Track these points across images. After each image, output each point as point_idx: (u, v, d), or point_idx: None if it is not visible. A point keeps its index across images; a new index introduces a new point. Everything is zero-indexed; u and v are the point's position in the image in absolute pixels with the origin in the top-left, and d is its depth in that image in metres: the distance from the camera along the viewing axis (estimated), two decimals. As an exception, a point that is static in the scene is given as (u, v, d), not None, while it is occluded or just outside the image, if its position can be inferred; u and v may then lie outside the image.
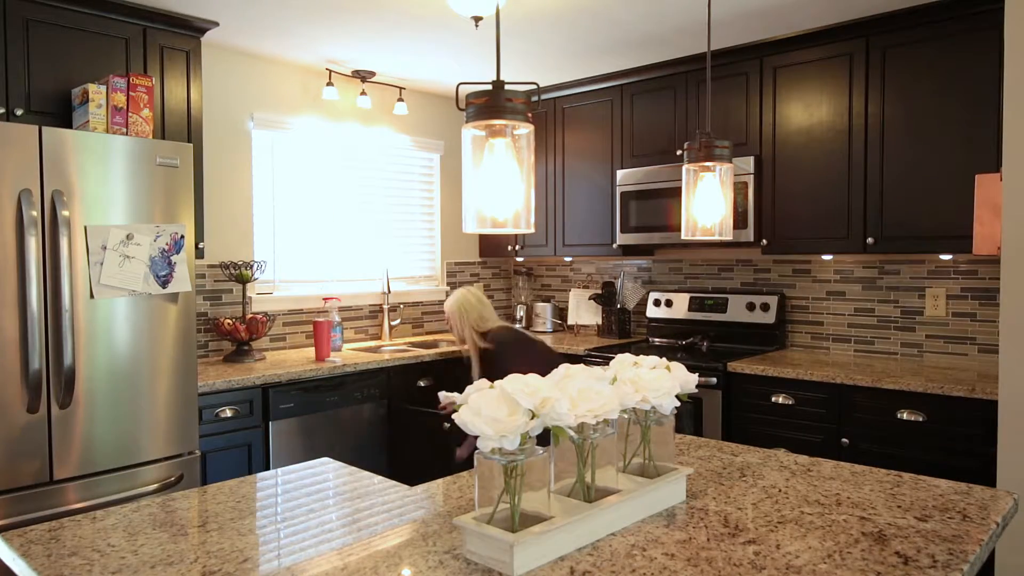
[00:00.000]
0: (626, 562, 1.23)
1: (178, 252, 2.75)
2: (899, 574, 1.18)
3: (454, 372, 3.98)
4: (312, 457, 3.32)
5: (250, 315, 3.64)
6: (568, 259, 4.87)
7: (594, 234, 4.32)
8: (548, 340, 4.33)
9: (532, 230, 1.42)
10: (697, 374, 1.61)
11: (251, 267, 3.69)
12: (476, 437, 1.18)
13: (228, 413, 3.09)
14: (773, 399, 3.24)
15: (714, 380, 3.35)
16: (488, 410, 1.19)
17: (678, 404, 1.50)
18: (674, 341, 4.08)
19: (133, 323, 2.67)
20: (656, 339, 4.26)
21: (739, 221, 3.59)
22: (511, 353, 3.32)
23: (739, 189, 3.58)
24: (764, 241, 3.61)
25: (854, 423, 3.03)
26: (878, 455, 2.94)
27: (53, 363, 2.49)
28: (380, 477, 1.74)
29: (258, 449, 3.19)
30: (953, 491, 1.58)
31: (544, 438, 1.29)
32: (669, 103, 3.96)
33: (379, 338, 4.44)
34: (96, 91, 2.73)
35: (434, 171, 4.82)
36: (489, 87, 1.30)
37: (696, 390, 1.63)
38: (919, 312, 3.46)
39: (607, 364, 1.55)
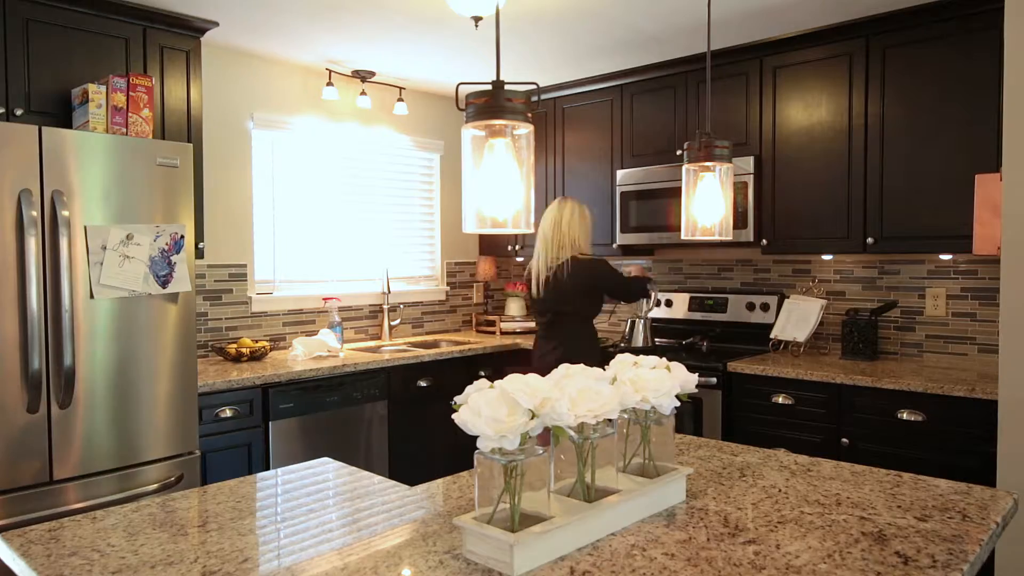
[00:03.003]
0: (626, 562, 1.23)
1: (178, 252, 2.75)
2: (899, 574, 1.18)
3: (454, 372, 3.98)
4: (312, 457, 3.32)
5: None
6: (568, 259, 4.87)
7: (594, 234, 4.31)
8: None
9: (532, 230, 1.42)
10: (697, 374, 1.61)
11: None
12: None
13: (228, 413, 3.09)
14: (773, 399, 3.24)
15: (714, 380, 3.35)
16: (488, 410, 1.19)
17: (678, 404, 1.50)
18: (674, 341, 4.08)
19: (133, 323, 2.67)
20: (656, 339, 4.25)
21: (739, 221, 3.59)
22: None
23: (739, 189, 3.57)
24: (764, 241, 3.61)
25: (854, 423, 3.03)
26: (878, 455, 2.94)
27: (53, 363, 2.49)
28: (380, 477, 1.74)
29: (258, 449, 3.19)
30: (953, 491, 1.58)
31: (544, 438, 1.29)
32: (669, 103, 3.96)
33: (379, 338, 4.44)
34: (96, 91, 2.73)
35: (434, 171, 4.82)
36: (489, 87, 1.30)
37: (696, 390, 1.63)
38: (919, 312, 3.46)
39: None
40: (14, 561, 1.30)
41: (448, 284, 4.88)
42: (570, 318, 3.37)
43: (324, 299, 4.10)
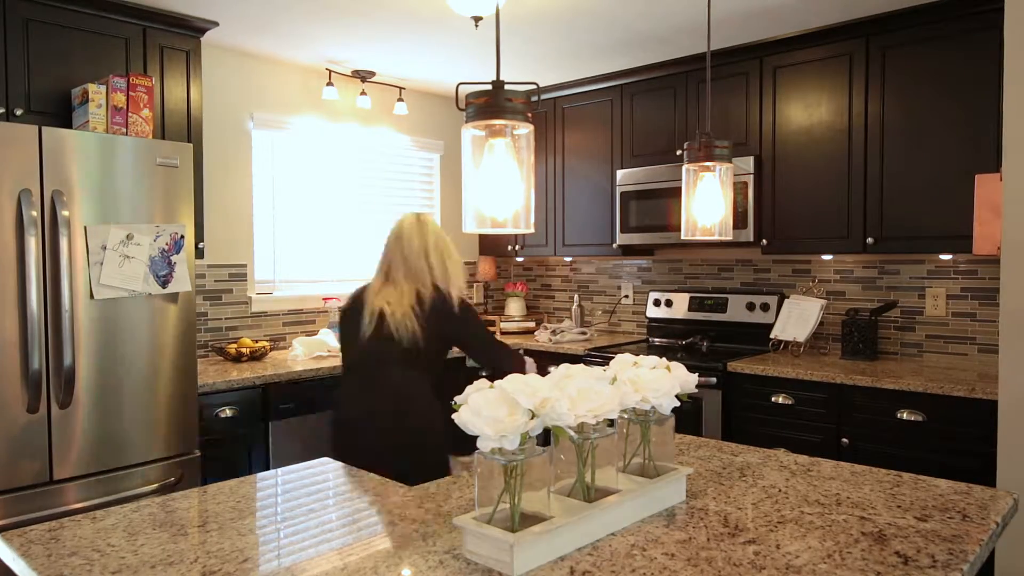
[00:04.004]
0: (626, 562, 1.23)
1: (178, 252, 2.75)
2: (899, 574, 1.18)
3: (454, 372, 3.98)
4: (312, 457, 3.31)
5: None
6: (568, 259, 4.87)
7: (594, 234, 4.32)
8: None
9: (532, 230, 1.42)
10: (697, 374, 1.61)
11: None
12: None
13: (228, 413, 3.09)
14: (773, 399, 3.24)
15: (714, 380, 3.35)
16: (488, 410, 1.19)
17: (678, 404, 1.50)
18: (674, 341, 4.08)
19: (133, 323, 2.67)
20: (656, 339, 4.26)
21: (739, 221, 3.59)
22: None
23: (739, 189, 3.57)
24: (764, 241, 3.61)
25: (854, 423, 3.03)
26: (878, 455, 2.94)
27: (53, 363, 2.49)
28: (380, 477, 1.74)
29: (258, 449, 3.19)
30: (953, 491, 1.58)
31: (544, 438, 1.29)
32: (669, 103, 3.96)
33: (379, 338, 4.43)
34: (96, 91, 2.73)
35: (434, 171, 4.82)
36: (489, 87, 1.30)
37: (696, 390, 1.63)
38: (919, 312, 3.46)
39: (607, 364, 1.55)
40: (14, 561, 1.30)
41: (448, 284, 4.87)
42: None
43: (324, 299, 4.10)
